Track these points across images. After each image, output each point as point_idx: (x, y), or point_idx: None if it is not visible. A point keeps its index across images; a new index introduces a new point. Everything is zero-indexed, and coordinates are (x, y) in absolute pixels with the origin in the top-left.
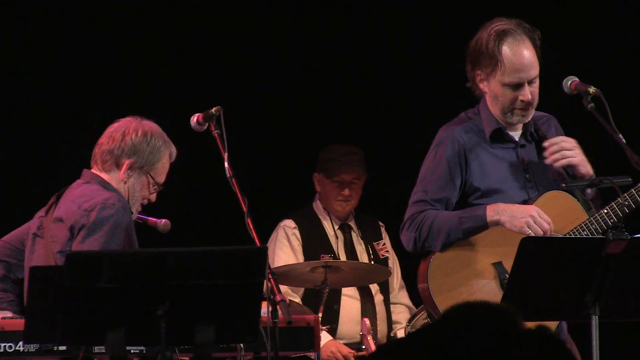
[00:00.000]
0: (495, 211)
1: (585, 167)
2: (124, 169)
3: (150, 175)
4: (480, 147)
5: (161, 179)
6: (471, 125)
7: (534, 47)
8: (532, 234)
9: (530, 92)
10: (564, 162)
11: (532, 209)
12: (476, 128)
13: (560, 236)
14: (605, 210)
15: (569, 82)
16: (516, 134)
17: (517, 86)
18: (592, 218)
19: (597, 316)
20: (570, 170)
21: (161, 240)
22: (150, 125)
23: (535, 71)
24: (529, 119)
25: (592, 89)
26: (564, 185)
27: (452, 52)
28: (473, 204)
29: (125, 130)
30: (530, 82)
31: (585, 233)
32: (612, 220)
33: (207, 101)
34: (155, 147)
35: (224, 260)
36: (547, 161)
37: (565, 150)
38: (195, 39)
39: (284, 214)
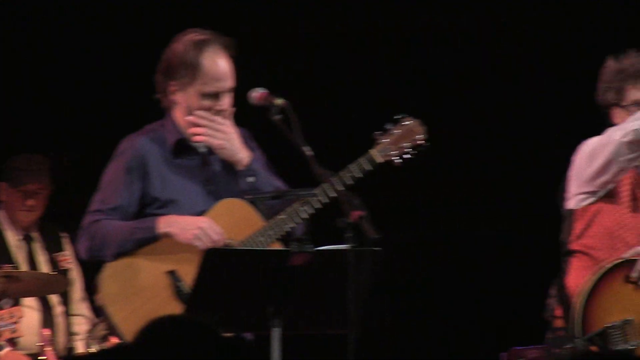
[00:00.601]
0: (167, 223)
1: (232, 157)
2: None
3: None
4: (162, 158)
5: None
6: (155, 136)
7: (230, 57)
8: (202, 246)
9: (226, 103)
10: (200, 138)
11: (202, 221)
12: (160, 139)
13: (243, 248)
14: (283, 216)
15: (255, 94)
16: (201, 146)
17: (215, 96)
18: (267, 225)
19: (279, 328)
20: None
21: None
22: None
23: (232, 82)
24: None
25: (278, 101)
26: (247, 197)
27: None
28: (152, 214)
29: None
30: (226, 93)
31: (261, 239)
32: (289, 226)
33: None
34: None
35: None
36: (190, 130)
37: (213, 130)
38: None
39: None
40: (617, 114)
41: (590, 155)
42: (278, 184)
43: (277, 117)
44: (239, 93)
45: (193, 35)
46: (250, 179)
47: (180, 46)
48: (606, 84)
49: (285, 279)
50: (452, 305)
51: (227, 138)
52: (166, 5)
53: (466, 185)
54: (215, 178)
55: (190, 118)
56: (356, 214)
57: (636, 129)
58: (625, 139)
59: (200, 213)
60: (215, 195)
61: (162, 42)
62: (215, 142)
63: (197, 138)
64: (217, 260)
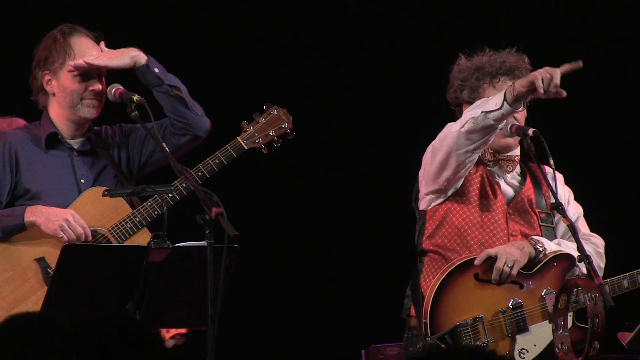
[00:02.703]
0: (33, 212)
1: (125, 62)
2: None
3: None
4: (34, 151)
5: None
6: (29, 131)
7: (97, 43)
8: (66, 238)
9: (98, 84)
10: (93, 62)
11: (68, 213)
12: (34, 134)
13: (104, 244)
14: (149, 203)
15: (113, 90)
16: (75, 142)
17: (87, 77)
18: (135, 211)
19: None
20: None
21: None
22: None
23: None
24: (97, 115)
25: (135, 97)
26: (106, 192)
27: None
28: (23, 206)
29: None
30: (99, 77)
31: (129, 226)
32: (155, 212)
33: None
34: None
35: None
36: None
37: (91, 60)
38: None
39: None
40: None
41: (432, 152)
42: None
43: (135, 113)
44: None
45: (59, 27)
46: (156, 69)
47: (48, 39)
48: (460, 82)
49: (144, 275)
50: (314, 303)
51: (101, 55)
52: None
53: (325, 184)
54: (86, 170)
55: (71, 68)
56: (215, 211)
57: (474, 117)
58: (464, 129)
59: (70, 204)
60: (86, 187)
61: None
62: (97, 61)
63: (94, 61)
64: (74, 256)
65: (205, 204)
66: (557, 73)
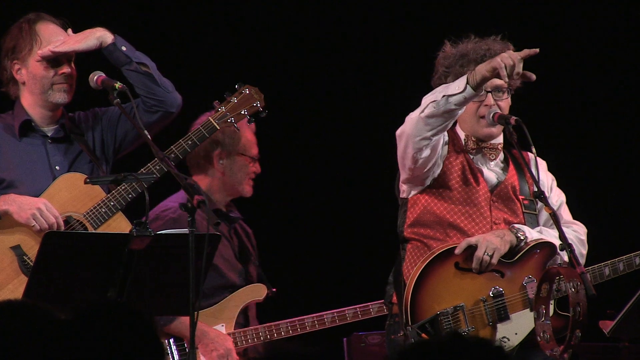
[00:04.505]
0: (5, 201)
1: (90, 44)
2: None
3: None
4: (8, 140)
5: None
6: (1, 121)
7: (63, 30)
8: (38, 227)
9: (67, 68)
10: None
11: (40, 202)
12: (6, 123)
13: (85, 232)
14: (123, 187)
15: (95, 77)
16: (49, 129)
17: (56, 62)
18: (109, 195)
19: None
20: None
21: None
22: None
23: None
24: (69, 100)
25: (117, 84)
26: (88, 180)
27: None
28: None
29: None
30: (68, 60)
31: (103, 210)
32: (130, 196)
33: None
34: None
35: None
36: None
37: (55, 44)
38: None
39: None
40: None
41: (397, 141)
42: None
43: (117, 100)
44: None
45: (25, 16)
46: (123, 48)
47: (14, 28)
48: (445, 68)
49: (125, 262)
50: (297, 289)
51: (67, 40)
52: None
53: (308, 170)
54: (60, 157)
55: (38, 58)
56: (197, 198)
57: (436, 101)
58: (424, 114)
59: (44, 191)
60: (61, 174)
61: None
62: (63, 47)
63: (59, 48)
64: (56, 244)
65: (187, 192)
66: (518, 60)
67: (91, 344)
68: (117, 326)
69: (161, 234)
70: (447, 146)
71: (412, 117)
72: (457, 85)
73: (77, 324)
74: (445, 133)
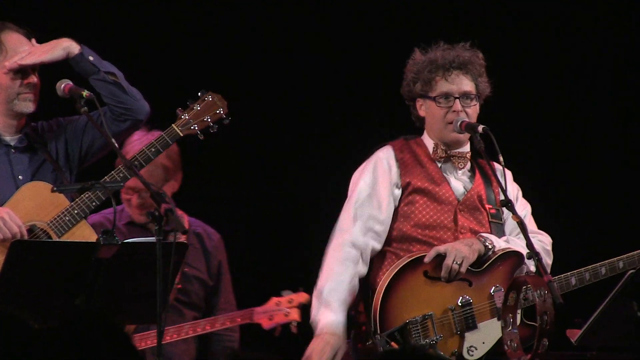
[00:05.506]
0: None
1: (57, 55)
2: None
3: None
4: None
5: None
6: None
7: (29, 39)
8: (1, 236)
9: (35, 79)
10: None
11: (3, 212)
12: None
13: (51, 240)
14: (87, 195)
15: (62, 85)
16: (12, 139)
17: (22, 72)
18: (73, 203)
19: None
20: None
21: None
22: None
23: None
24: (34, 109)
25: (85, 93)
26: (55, 189)
27: None
28: None
29: None
30: (33, 70)
31: (67, 219)
32: (94, 204)
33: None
34: None
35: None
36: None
37: (22, 55)
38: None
39: None
40: (422, 105)
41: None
42: (114, 70)
43: (84, 109)
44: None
45: None
46: (90, 57)
47: None
48: (414, 75)
49: (93, 271)
50: (257, 295)
51: (34, 51)
52: None
53: (270, 173)
54: (24, 167)
55: (5, 70)
56: (164, 207)
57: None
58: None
59: (7, 200)
60: (24, 183)
61: None
62: (30, 59)
63: (26, 60)
64: (23, 253)
65: (154, 200)
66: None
67: (67, 355)
68: (95, 336)
69: (128, 242)
70: (397, 189)
71: (334, 240)
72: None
73: (52, 333)
74: (396, 177)
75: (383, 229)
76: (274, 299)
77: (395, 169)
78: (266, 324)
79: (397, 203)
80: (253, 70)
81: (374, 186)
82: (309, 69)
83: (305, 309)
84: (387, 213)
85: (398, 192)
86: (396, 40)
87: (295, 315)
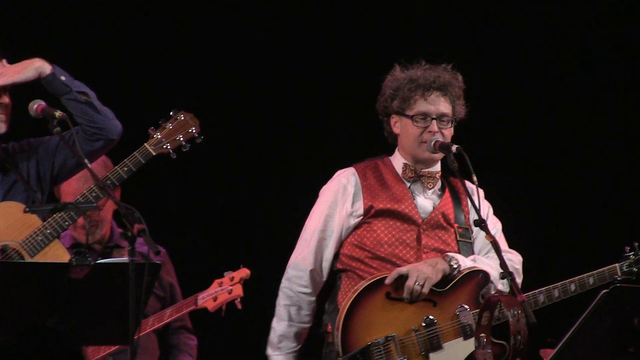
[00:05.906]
0: None
1: (29, 74)
2: None
3: None
4: None
5: None
6: None
7: None
8: None
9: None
10: None
11: None
12: None
13: (22, 261)
14: (59, 215)
15: (35, 106)
16: None
17: None
18: (45, 223)
19: None
20: None
21: None
22: None
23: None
24: (6, 130)
25: (58, 113)
26: (27, 209)
27: None
28: None
29: None
30: (4, 90)
31: (40, 238)
32: (66, 224)
33: None
34: None
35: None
36: None
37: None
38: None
39: None
40: (397, 122)
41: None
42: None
43: (57, 129)
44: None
45: None
46: (62, 77)
47: None
48: (393, 91)
49: (65, 292)
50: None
51: (5, 71)
52: None
53: (245, 192)
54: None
55: None
56: (137, 227)
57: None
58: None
59: None
60: None
61: None
62: (1, 80)
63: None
64: None
65: (127, 220)
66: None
67: None
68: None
69: (100, 263)
70: (355, 217)
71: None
72: None
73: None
74: (356, 204)
75: (334, 253)
76: (216, 281)
77: (352, 197)
78: (211, 306)
79: (356, 226)
80: (223, 91)
81: (331, 212)
82: (285, 84)
83: (247, 284)
84: (337, 240)
85: (356, 219)
86: (379, 52)
87: (238, 290)
